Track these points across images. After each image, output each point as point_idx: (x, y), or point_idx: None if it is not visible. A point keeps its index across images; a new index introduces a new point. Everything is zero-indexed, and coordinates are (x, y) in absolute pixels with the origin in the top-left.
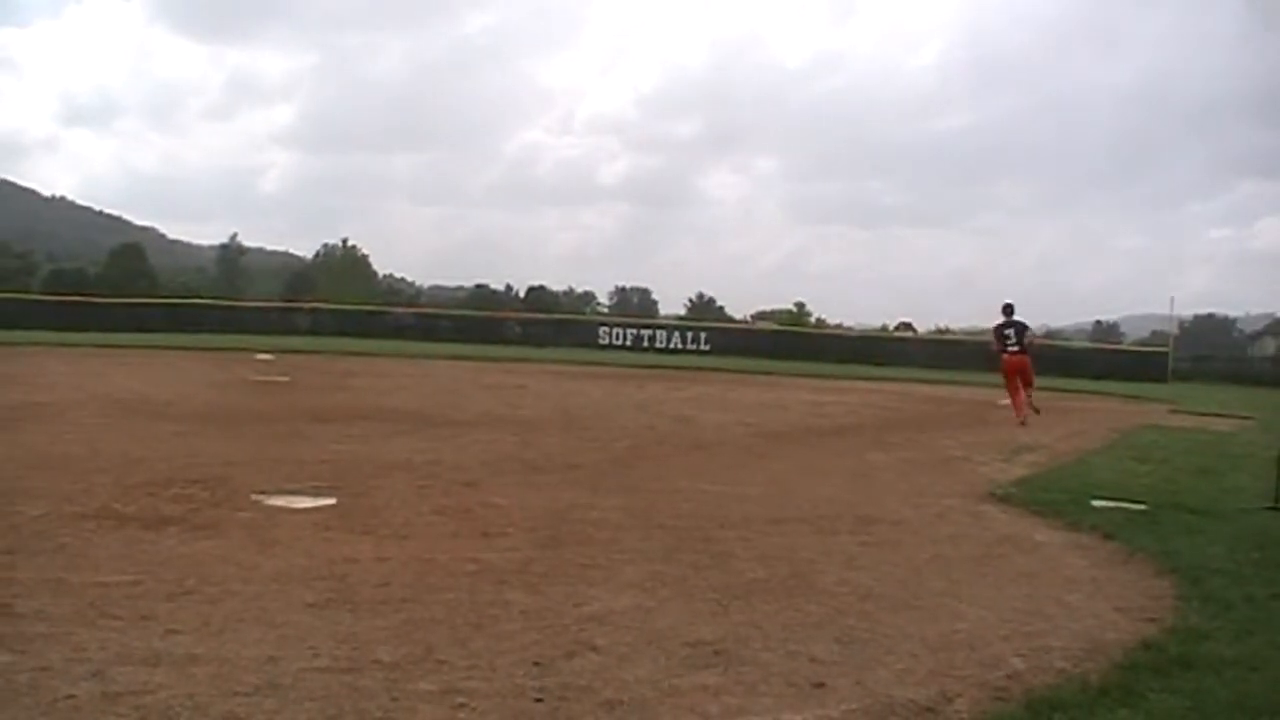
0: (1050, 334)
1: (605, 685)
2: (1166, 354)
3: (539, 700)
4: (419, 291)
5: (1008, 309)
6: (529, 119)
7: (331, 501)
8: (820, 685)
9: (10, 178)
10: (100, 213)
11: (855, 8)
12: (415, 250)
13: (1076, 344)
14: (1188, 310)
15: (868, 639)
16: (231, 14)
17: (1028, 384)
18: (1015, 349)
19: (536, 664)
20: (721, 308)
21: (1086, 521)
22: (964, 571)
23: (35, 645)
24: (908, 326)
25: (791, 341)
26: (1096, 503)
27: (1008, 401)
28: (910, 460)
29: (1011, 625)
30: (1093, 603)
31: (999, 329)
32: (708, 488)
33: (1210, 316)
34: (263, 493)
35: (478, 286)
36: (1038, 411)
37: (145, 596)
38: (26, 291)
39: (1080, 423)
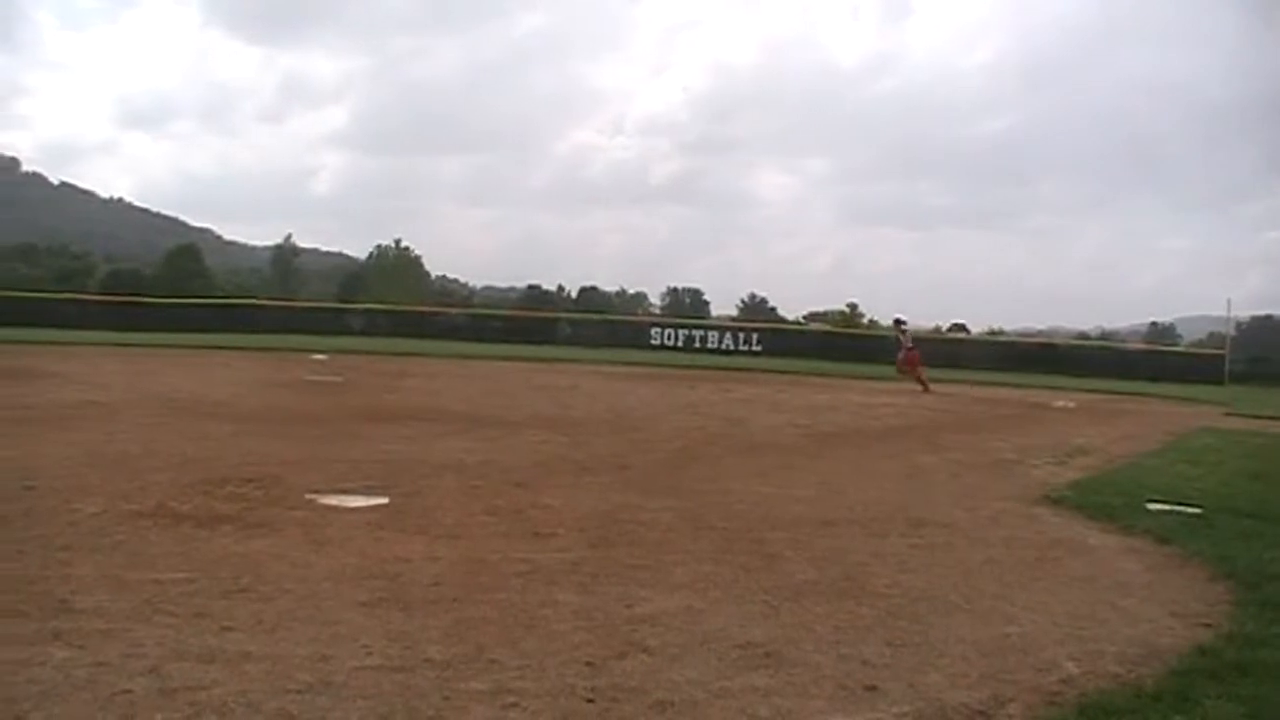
0: (1104, 335)
1: (656, 686)
2: (1222, 356)
3: (590, 701)
4: (471, 292)
5: (899, 321)
6: (580, 120)
7: (384, 501)
8: (872, 688)
9: (70, 180)
10: (157, 214)
11: (910, 8)
12: (468, 251)
13: (1130, 346)
14: (1244, 312)
15: (919, 642)
16: (285, 17)
17: (914, 365)
18: (910, 348)
19: (588, 664)
20: (773, 308)
21: (1141, 525)
22: (1017, 575)
23: (93, 641)
24: (960, 327)
25: (844, 343)
26: (1151, 506)
27: (1063, 403)
28: (962, 462)
29: (1065, 629)
30: (1147, 607)
31: (899, 335)
32: (759, 489)
33: (1269, 318)
34: (316, 492)
35: (530, 288)
36: (925, 387)
37: (200, 594)
38: (84, 292)
39: (1135, 425)
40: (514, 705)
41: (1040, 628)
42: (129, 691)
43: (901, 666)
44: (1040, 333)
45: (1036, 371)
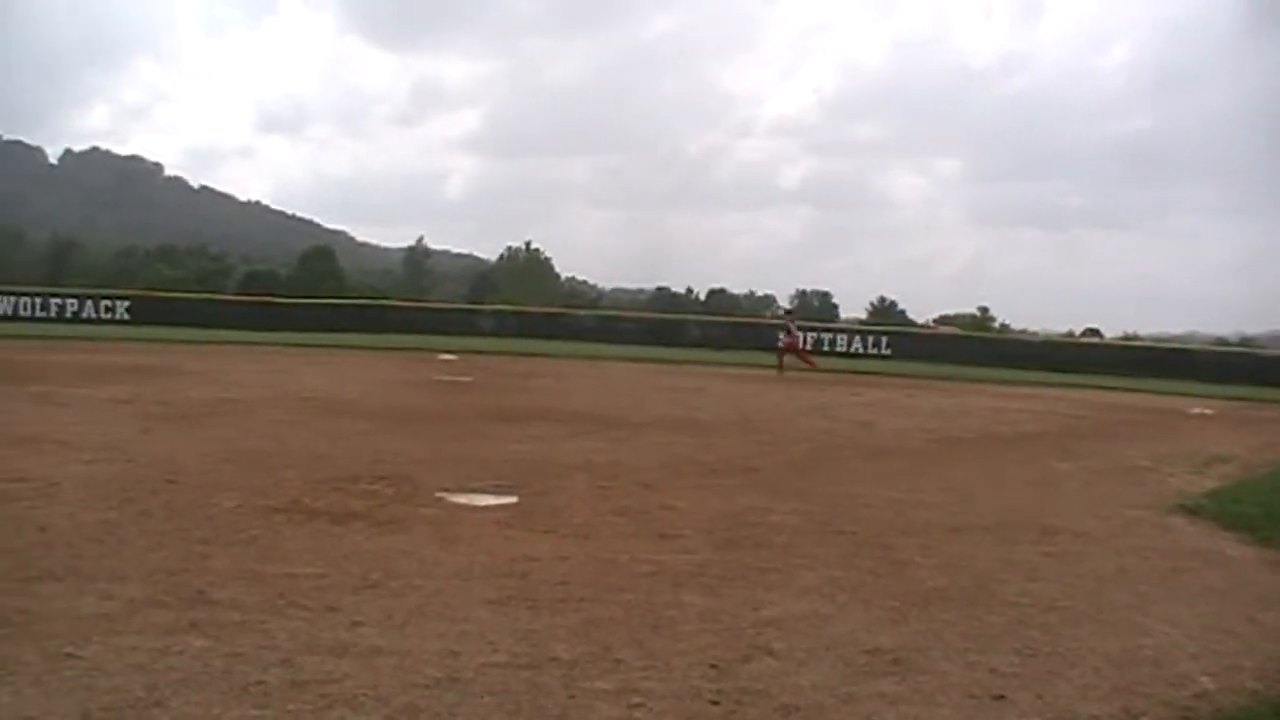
0: (1244, 341)
1: (782, 690)
2: None
3: (715, 703)
4: (600, 294)
5: (789, 312)
6: (710, 122)
7: (513, 500)
8: (1000, 697)
9: (209, 183)
10: (292, 216)
11: (1044, 7)
12: (597, 253)
13: (1270, 352)
14: None
15: (1049, 652)
16: (419, 23)
17: (794, 350)
18: (791, 337)
19: (713, 666)
20: (903, 311)
21: None
22: (1150, 586)
23: (228, 632)
24: (1094, 332)
25: (974, 346)
26: None
27: (1200, 409)
28: (1095, 470)
29: (1200, 643)
30: None
31: (789, 326)
32: (887, 493)
33: None
34: (446, 490)
35: (659, 289)
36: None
37: (332, 589)
38: (221, 292)
39: (1275, 433)
40: (639, 705)
41: (1174, 640)
42: (262, 682)
43: (1030, 676)
44: (1176, 338)
45: (1172, 378)
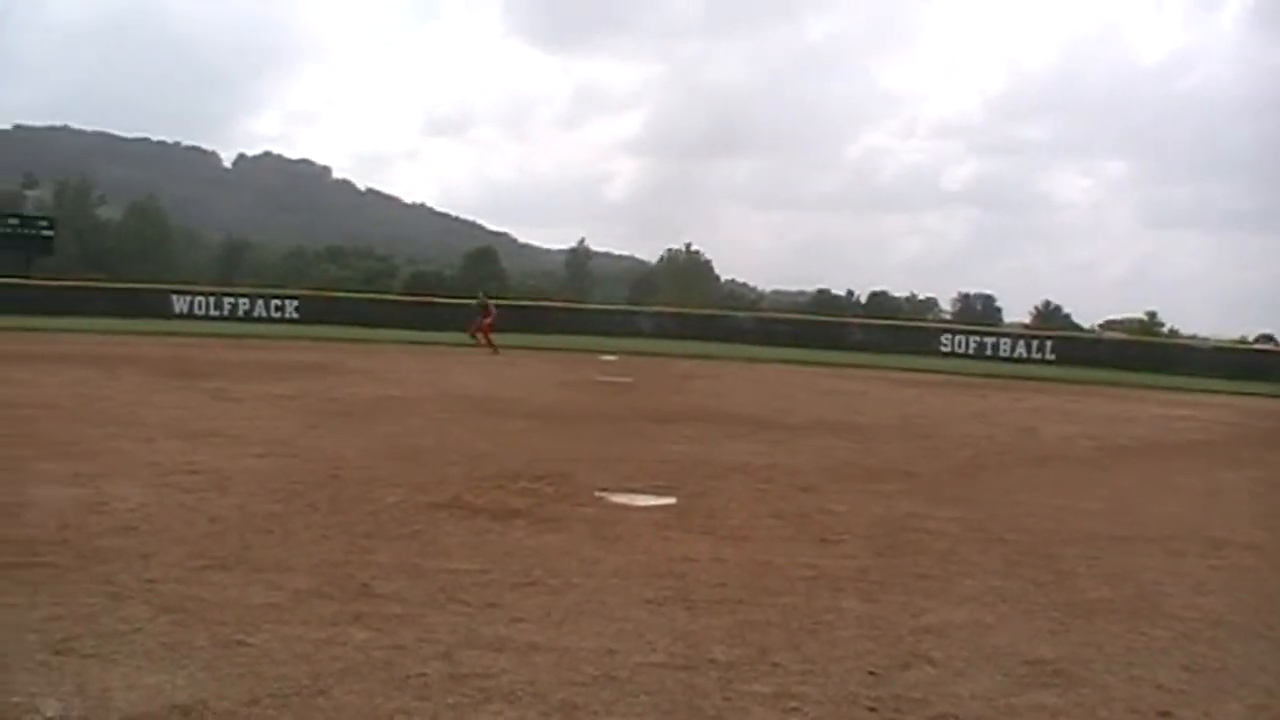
0: None
1: (940, 699)
2: None
3: (872, 710)
4: (760, 296)
5: (488, 294)
6: (872, 123)
7: (671, 501)
8: (1165, 714)
9: (376, 186)
10: (456, 218)
11: (1219, 2)
12: (757, 255)
13: None
14: None
15: (1218, 668)
16: (579, 25)
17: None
18: (486, 318)
19: (871, 673)
20: (1068, 315)
21: None
22: None
23: (390, 625)
24: (1268, 339)
25: (1141, 352)
26: None
27: None
28: (1266, 480)
29: None
30: None
31: (487, 309)
32: (1049, 501)
33: None
34: (605, 490)
35: (819, 292)
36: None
37: (492, 585)
38: (387, 293)
39: None
40: (795, 710)
41: None
42: (423, 675)
43: (1197, 693)
44: None
45: None
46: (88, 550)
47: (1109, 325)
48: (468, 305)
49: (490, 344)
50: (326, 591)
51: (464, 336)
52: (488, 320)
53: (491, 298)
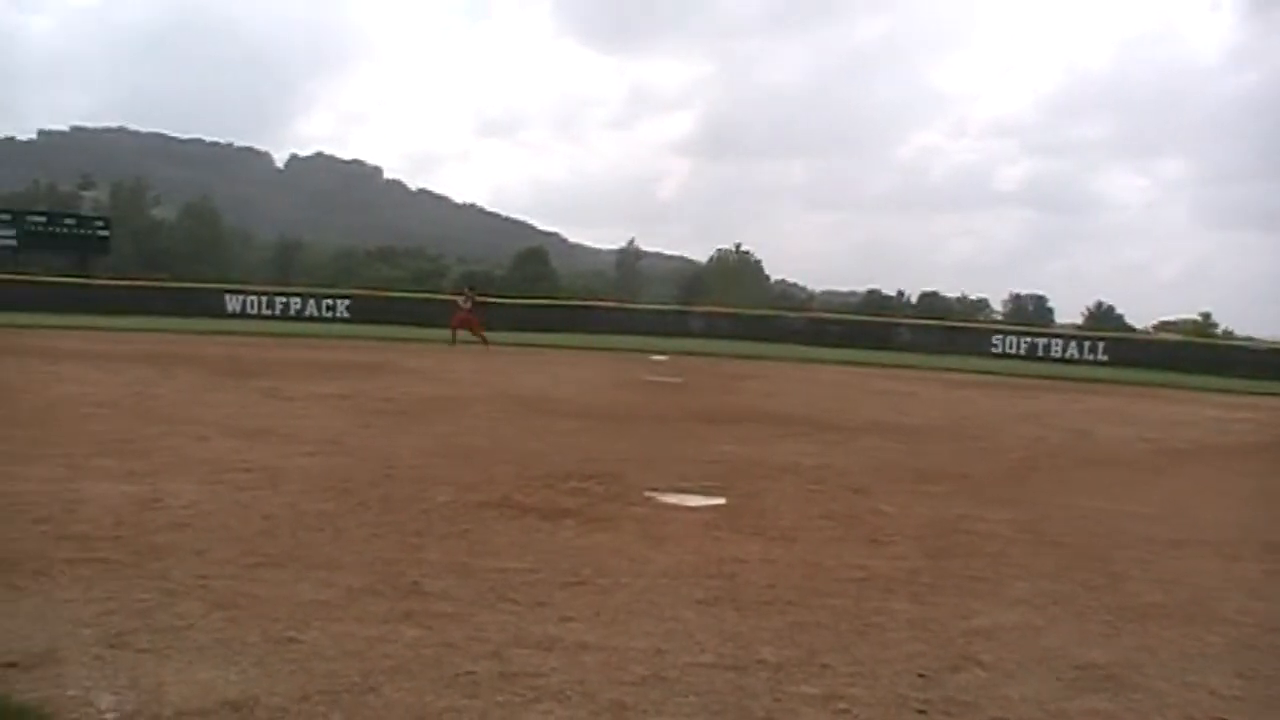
0: None
1: (990, 703)
2: None
3: (921, 712)
4: (810, 296)
5: (472, 288)
6: (923, 123)
7: (721, 501)
8: None
9: (428, 187)
10: (507, 218)
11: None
12: (808, 255)
13: None
14: None
15: (1273, 675)
16: (634, 25)
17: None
18: (467, 311)
19: (921, 675)
20: (1121, 316)
21: None
22: None
23: (440, 623)
24: None
25: (1196, 353)
26: None
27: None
28: None
29: None
30: None
31: (470, 298)
32: (1102, 504)
33: None
34: (655, 490)
35: (869, 292)
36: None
37: (542, 584)
38: (438, 292)
39: None
40: (845, 712)
41: None
42: (472, 673)
43: (1254, 700)
44: None
45: None
46: (142, 546)
47: (1162, 326)
48: (519, 305)
49: (454, 336)
50: (377, 589)
51: (513, 335)
52: (463, 315)
53: (480, 295)
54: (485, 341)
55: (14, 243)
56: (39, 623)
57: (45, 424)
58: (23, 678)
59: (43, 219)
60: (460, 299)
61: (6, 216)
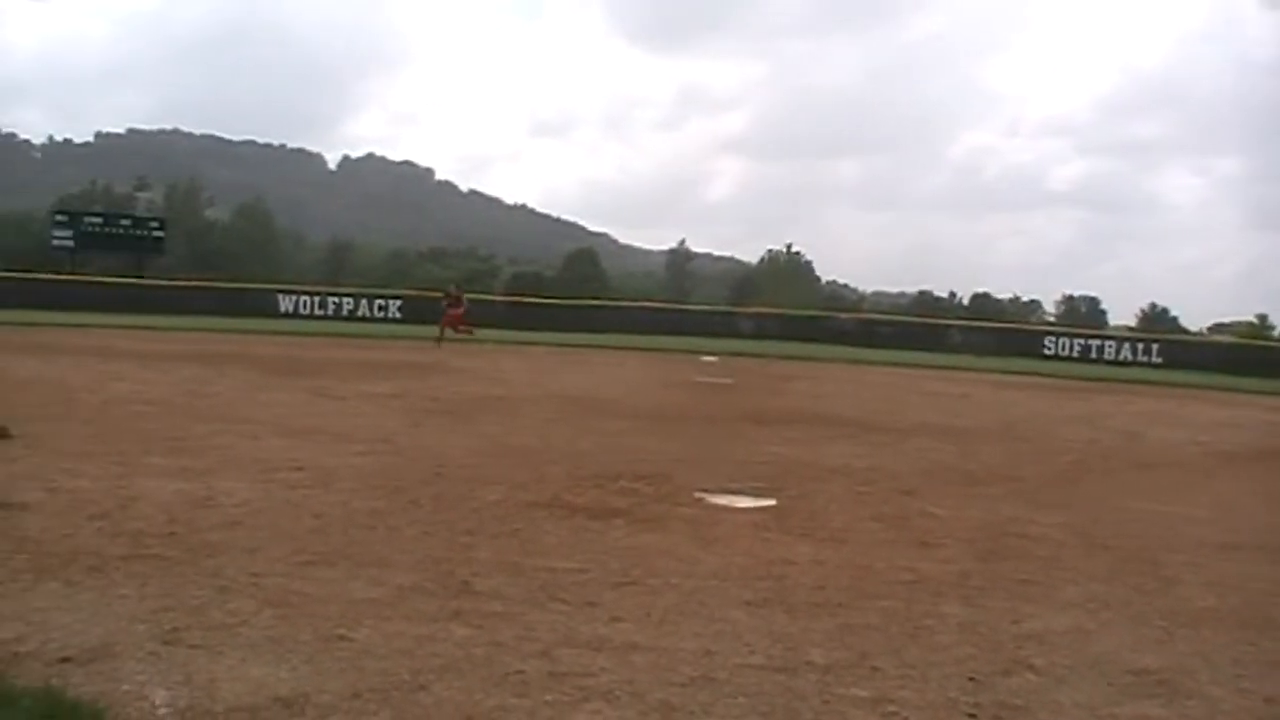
0: None
1: (1041, 707)
2: None
3: (972, 716)
4: (861, 297)
5: (460, 286)
6: (976, 122)
7: (771, 503)
8: None
9: (478, 187)
10: (557, 219)
11: None
12: (859, 256)
13: None
14: None
15: None
16: (685, 26)
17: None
18: (457, 310)
19: (971, 679)
20: (1175, 318)
21: None
22: None
23: (490, 622)
24: None
25: (1251, 356)
26: None
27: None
28: None
29: None
30: None
31: (459, 298)
32: (1155, 508)
33: None
34: (705, 491)
35: (920, 293)
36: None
37: (591, 584)
38: (489, 293)
39: None
40: (894, 715)
41: None
42: (521, 672)
43: None
44: None
45: None
46: (196, 544)
47: (1217, 328)
48: (569, 306)
49: (442, 335)
50: (427, 588)
51: (563, 336)
52: (458, 310)
53: (464, 291)
54: (472, 333)
55: (71, 243)
56: (94, 618)
57: (100, 422)
58: (78, 672)
59: (99, 220)
60: (445, 300)
61: (64, 218)
